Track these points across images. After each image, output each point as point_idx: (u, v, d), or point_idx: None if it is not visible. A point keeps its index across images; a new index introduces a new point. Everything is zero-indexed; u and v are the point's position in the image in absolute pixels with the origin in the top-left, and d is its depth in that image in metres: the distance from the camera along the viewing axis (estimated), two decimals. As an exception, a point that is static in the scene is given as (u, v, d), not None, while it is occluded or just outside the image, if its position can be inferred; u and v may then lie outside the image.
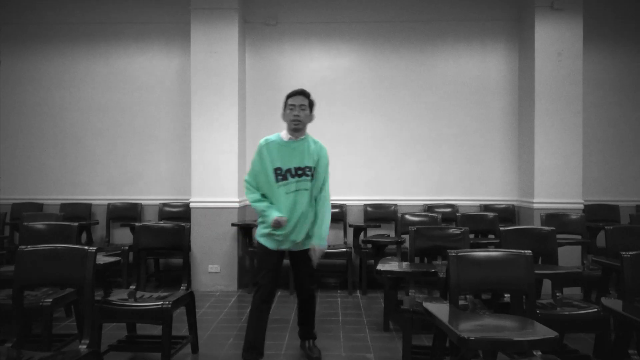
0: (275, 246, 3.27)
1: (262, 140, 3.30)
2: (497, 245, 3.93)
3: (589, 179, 5.90)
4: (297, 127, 3.25)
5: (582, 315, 3.09)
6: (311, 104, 3.33)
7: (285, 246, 3.28)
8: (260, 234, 3.31)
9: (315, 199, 3.32)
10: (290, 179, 3.23)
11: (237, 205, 5.61)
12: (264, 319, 3.30)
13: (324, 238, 3.30)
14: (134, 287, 3.67)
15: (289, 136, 3.28)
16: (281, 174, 3.23)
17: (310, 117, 3.33)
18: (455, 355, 2.62)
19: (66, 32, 6.26)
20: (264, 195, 3.28)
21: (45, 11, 6.27)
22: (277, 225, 3.17)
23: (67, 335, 3.71)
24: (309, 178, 3.25)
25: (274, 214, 3.18)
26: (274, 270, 3.28)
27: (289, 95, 3.29)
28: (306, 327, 3.59)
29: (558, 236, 3.76)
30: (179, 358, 3.50)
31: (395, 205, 6.01)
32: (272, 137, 3.31)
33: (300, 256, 3.34)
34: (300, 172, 3.23)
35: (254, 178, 3.31)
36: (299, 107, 3.24)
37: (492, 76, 6.11)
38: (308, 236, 3.31)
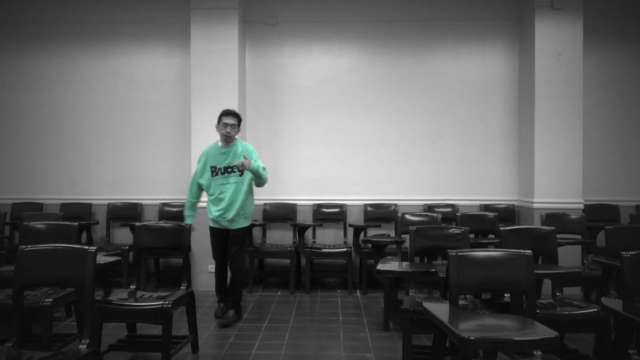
0: (216, 225, 4.39)
1: (205, 148, 4.46)
2: (497, 245, 3.93)
3: (589, 179, 5.89)
4: (227, 140, 4.34)
5: (582, 315, 3.08)
6: (239, 121, 4.39)
7: (222, 225, 4.34)
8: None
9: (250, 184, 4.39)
10: (220, 175, 4.31)
11: (237, 205, 5.60)
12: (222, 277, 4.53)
13: (254, 164, 4.20)
14: (134, 286, 3.67)
15: (221, 144, 4.36)
16: (215, 171, 4.33)
17: (238, 131, 4.38)
18: (455, 355, 2.62)
19: (65, 31, 6.26)
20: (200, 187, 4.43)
21: (44, 11, 6.26)
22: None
23: (67, 335, 3.70)
24: (237, 174, 4.30)
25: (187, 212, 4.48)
26: (220, 246, 4.44)
27: (223, 114, 4.33)
28: (230, 293, 4.44)
29: (558, 236, 3.76)
30: (179, 358, 3.50)
31: (395, 205, 6.01)
32: (211, 145, 4.44)
33: (233, 234, 4.35)
34: (229, 169, 4.30)
35: (195, 174, 4.45)
36: (230, 125, 4.30)
37: (492, 75, 6.11)
38: (238, 216, 4.31)
